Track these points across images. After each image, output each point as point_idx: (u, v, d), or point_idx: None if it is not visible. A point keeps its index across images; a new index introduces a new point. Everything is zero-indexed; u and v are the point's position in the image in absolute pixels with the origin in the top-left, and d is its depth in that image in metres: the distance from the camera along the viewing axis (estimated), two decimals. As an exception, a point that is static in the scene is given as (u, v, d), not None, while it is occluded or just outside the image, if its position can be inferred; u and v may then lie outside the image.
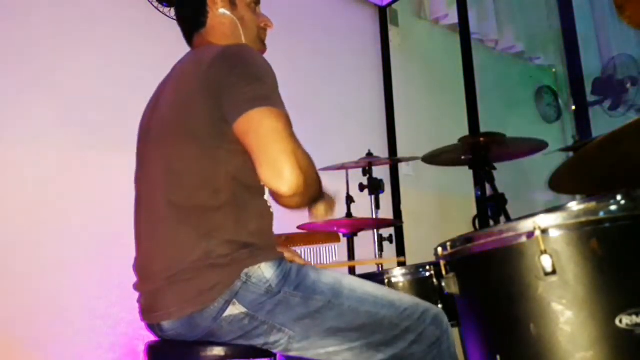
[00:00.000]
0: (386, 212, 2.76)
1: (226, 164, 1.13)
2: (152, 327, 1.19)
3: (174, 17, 1.44)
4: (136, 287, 1.24)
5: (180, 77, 1.26)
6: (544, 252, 0.92)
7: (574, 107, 3.78)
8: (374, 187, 2.24)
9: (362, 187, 2.24)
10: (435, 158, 2.13)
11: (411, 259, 2.86)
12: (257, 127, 1.06)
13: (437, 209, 3.20)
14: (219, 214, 1.11)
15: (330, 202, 1.36)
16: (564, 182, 1.22)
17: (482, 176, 2.04)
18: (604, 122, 3.89)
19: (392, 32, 3.22)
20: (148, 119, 1.32)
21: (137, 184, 1.30)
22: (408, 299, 1.20)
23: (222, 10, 1.33)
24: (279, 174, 1.01)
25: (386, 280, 1.66)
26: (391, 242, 2.36)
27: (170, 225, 1.14)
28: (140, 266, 1.23)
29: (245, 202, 1.15)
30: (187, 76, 1.22)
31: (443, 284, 1.15)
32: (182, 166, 1.15)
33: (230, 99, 1.10)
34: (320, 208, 1.33)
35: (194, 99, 1.16)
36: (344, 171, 2.18)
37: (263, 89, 1.10)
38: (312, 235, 2.11)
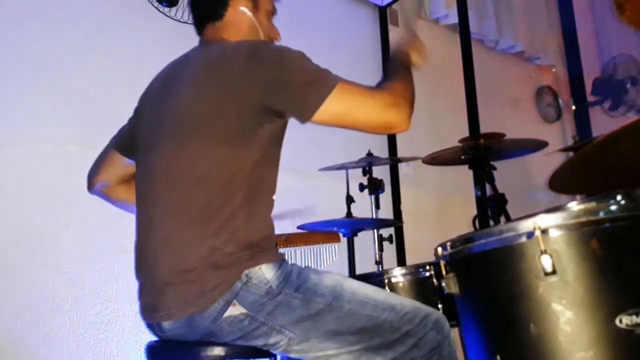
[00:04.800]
0: (386, 212, 2.76)
1: (244, 168, 1.13)
2: (152, 326, 1.19)
3: (175, 18, 1.43)
4: (138, 285, 1.23)
5: (203, 76, 1.19)
6: (544, 252, 0.92)
7: (574, 107, 3.78)
8: (374, 187, 2.23)
9: (362, 187, 2.24)
10: (435, 159, 2.13)
11: (411, 259, 2.86)
12: (343, 108, 1.13)
13: (437, 209, 3.19)
14: (229, 217, 1.11)
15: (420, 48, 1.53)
16: (564, 182, 1.22)
17: (482, 176, 2.03)
18: (604, 122, 3.89)
19: (392, 32, 3.22)
20: (155, 109, 1.26)
21: (141, 179, 1.27)
22: (409, 303, 1.18)
23: (243, 8, 1.31)
24: (392, 127, 1.16)
25: (386, 280, 1.65)
26: (391, 242, 2.36)
27: (179, 226, 1.13)
28: (142, 265, 1.21)
29: (255, 205, 1.14)
30: (212, 77, 1.17)
31: (443, 284, 1.15)
32: (201, 169, 1.13)
33: (291, 96, 1.12)
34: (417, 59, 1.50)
35: (224, 101, 1.13)
36: (344, 171, 2.18)
37: (316, 74, 1.14)
38: (312, 235, 2.10)
